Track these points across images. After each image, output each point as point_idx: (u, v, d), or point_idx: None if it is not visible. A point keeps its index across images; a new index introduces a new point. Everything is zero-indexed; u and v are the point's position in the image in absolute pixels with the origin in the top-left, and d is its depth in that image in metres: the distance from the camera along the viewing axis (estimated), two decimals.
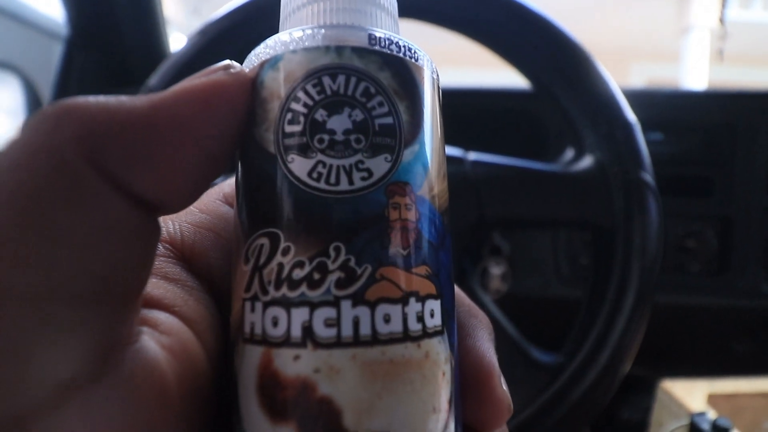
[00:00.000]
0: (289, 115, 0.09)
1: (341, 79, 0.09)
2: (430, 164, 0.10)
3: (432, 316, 0.09)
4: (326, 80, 0.09)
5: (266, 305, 0.09)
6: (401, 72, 0.09)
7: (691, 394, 0.39)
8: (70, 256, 0.07)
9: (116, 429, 0.07)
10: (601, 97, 0.30)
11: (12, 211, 0.07)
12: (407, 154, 0.09)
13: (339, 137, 0.09)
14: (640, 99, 0.54)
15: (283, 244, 0.09)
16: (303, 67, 0.09)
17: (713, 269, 0.54)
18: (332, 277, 0.08)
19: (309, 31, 0.09)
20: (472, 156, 0.32)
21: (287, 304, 0.08)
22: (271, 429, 0.08)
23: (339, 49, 0.09)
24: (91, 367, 0.07)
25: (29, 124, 0.08)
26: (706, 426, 0.37)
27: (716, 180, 0.54)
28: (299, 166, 0.09)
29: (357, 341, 0.08)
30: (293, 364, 0.08)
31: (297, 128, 0.09)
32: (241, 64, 0.22)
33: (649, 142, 0.56)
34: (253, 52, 0.11)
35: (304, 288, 0.08)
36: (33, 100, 0.69)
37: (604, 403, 0.28)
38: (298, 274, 0.08)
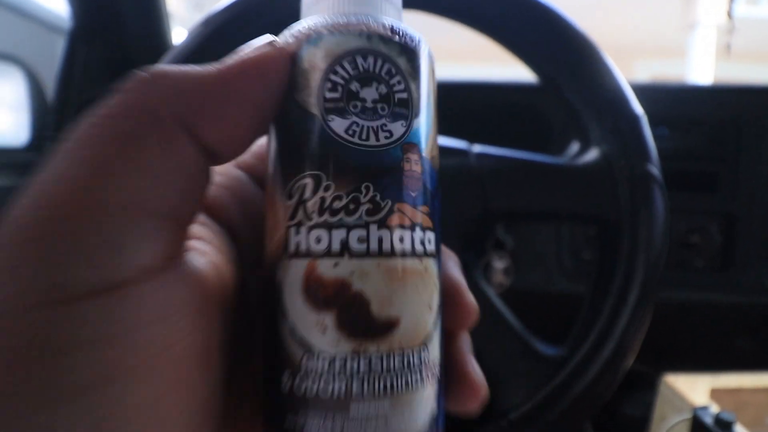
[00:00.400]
0: (329, 84, 0.11)
1: (371, 60, 0.12)
2: (429, 132, 0.12)
3: (430, 243, 0.12)
4: (359, 59, 0.12)
5: (310, 228, 0.11)
6: (412, 58, 0.12)
7: (694, 388, 0.39)
8: (153, 183, 0.10)
9: (173, 305, 0.10)
10: (607, 89, 0.30)
11: (113, 149, 0.10)
12: (416, 123, 0.12)
13: (369, 105, 0.11)
14: (645, 94, 0.54)
15: (324, 183, 0.11)
16: (341, 47, 0.12)
17: (717, 265, 0.54)
18: (363, 208, 0.11)
19: (344, 18, 0.12)
20: (477, 148, 0.32)
21: (329, 227, 0.11)
22: (317, 317, 0.11)
23: (370, 36, 0.12)
24: (161, 260, 0.10)
25: (126, 85, 0.10)
26: (709, 420, 0.37)
27: (721, 176, 0.54)
28: (338, 124, 0.11)
29: (381, 253, 0.11)
30: (333, 270, 0.11)
31: (336, 95, 0.11)
32: None
33: (653, 137, 0.56)
34: (288, 30, 0.13)
35: (342, 215, 0.11)
36: (36, 93, 0.69)
37: (606, 397, 0.28)
38: (338, 204, 0.11)
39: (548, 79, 0.32)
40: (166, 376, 0.10)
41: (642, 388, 0.60)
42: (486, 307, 0.31)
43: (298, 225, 0.11)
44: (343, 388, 0.11)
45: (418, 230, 0.12)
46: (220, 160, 0.12)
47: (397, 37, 0.12)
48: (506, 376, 0.30)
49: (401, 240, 0.11)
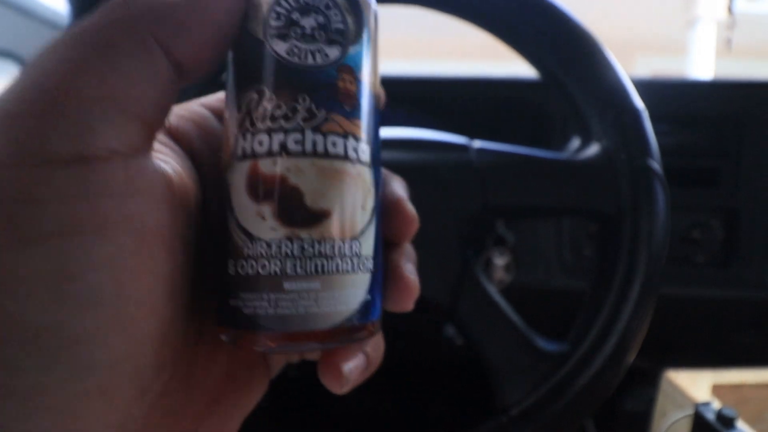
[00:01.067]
0: (273, 14, 0.13)
1: None
2: (367, 61, 0.14)
3: (363, 153, 0.14)
4: None
5: (254, 134, 0.13)
6: (354, 2, 0.14)
7: (695, 384, 0.39)
8: (127, 85, 0.11)
9: (136, 186, 0.12)
10: (608, 83, 0.30)
11: (95, 53, 0.11)
12: (352, 50, 0.14)
13: (308, 31, 0.13)
14: (647, 89, 0.53)
15: (267, 95, 0.13)
16: None
17: (719, 261, 0.54)
18: (300, 115, 0.13)
19: None
20: (477, 144, 0.32)
21: (269, 131, 0.13)
22: (257, 208, 0.12)
23: None
24: (128, 148, 0.12)
25: (107, 3, 0.12)
26: (710, 416, 0.37)
27: (722, 171, 0.54)
28: (280, 47, 0.13)
29: (315, 154, 0.13)
30: (272, 167, 0.13)
31: (279, 23, 0.13)
32: None
33: (654, 133, 0.56)
34: None
35: (281, 121, 0.13)
36: None
37: (608, 393, 0.28)
38: (278, 113, 0.13)
39: (549, 74, 0.32)
40: (126, 241, 0.11)
41: (643, 384, 0.60)
42: (486, 303, 0.30)
43: (245, 132, 0.13)
44: (278, 268, 0.12)
45: (351, 139, 0.13)
46: (188, 77, 0.13)
47: None
48: (507, 372, 0.30)
49: (334, 144, 0.13)
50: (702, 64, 2.78)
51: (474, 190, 0.30)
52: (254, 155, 0.13)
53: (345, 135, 0.13)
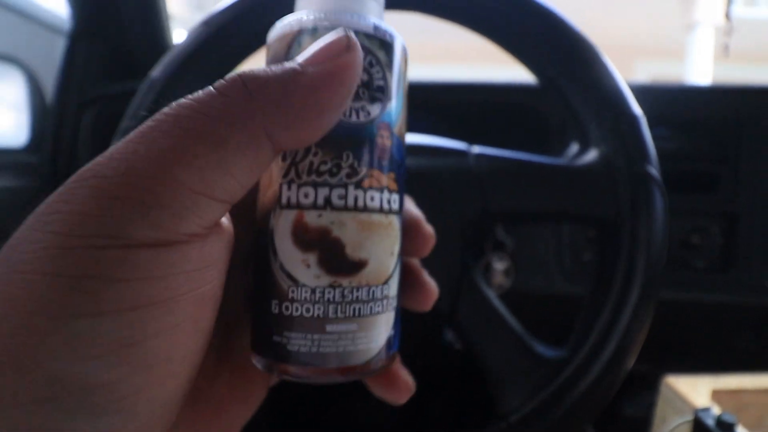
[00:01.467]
0: None
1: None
2: (400, 114, 0.15)
3: (395, 203, 0.15)
4: None
5: (300, 186, 0.14)
6: (390, 52, 0.14)
7: (695, 389, 0.39)
8: (224, 178, 0.12)
9: (207, 260, 0.12)
10: (606, 89, 0.30)
11: (201, 146, 0.11)
12: (389, 106, 0.14)
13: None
14: (644, 94, 0.54)
15: (313, 149, 0.14)
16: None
17: (718, 265, 0.54)
18: (344, 171, 0.13)
19: (336, 15, 0.14)
20: (476, 149, 0.32)
21: (315, 185, 0.14)
22: (302, 256, 0.13)
23: (356, 33, 0.13)
24: (209, 229, 0.12)
25: (225, 88, 0.12)
26: (710, 422, 0.36)
27: (721, 176, 0.54)
28: None
29: (356, 208, 0.14)
30: (317, 219, 0.13)
31: None
32: (241, 53, 0.26)
33: (653, 138, 0.56)
34: (285, 19, 0.15)
35: (326, 176, 0.14)
36: (36, 94, 0.69)
37: (608, 399, 0.28)
38: (323, 167, 0.13)
39: (548, 80, 0.32)
40: (189, 310, 0.12)
41: (643, 389, 0.60)
42: (486, 308, 0.30)
43: (290, 182, 0.14)
44: (321, 312, 0.13)
45: (385, 192, 0.14)
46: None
47: (378, 34, 0.14)
48: (506, 377, 0.29)
49: (372, 199, 0.14)
50: (700, 69, 2.80)
51: (473, 195, 0.30)
52: (299, 206, 0.14)
53: (381, 189, 0.14)
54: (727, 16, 0.54)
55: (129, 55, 0.66)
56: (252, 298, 0.15)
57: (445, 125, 0.59)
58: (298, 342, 0.13)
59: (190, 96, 0.12)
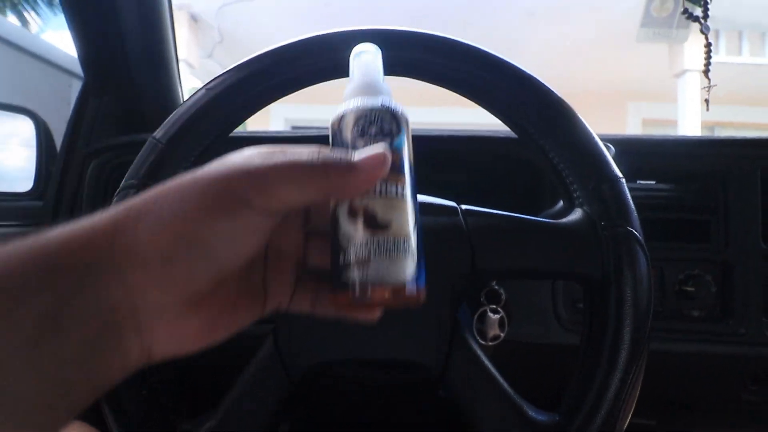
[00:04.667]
0: (356, 129, 0.23)
1: (373, 116, 0.23)
2: (404, 143, 0.23)
3: (406, 192, 0.22)
4: (368, 116, 0.23)
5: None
6: (394, 113, 0.23)
7: None
8: (300, 202, 0.21)
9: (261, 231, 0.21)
10: (587, 152, 0.32)
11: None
12: (396, 140, 0.23)
13: (372, 133, 0.22)
14: (633, 146, 0.55)
15: None
16: (361, 112, 0.23)
17: (715, 315, 0.54)
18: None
19: (364, 102, 0.23)
20: (465, 207, 0.33)
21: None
22: (352, 224, 0.22)
23: (372, 108, 0.23)
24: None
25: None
26: None
27: (712, 225, 0.55)
28: (360, 144, 0.22)
29: (381, 195, 0.22)
30: (361, 203, 0.22)
31: (357, 131, 0.23)
32: (240, 117, 0.29)
33: (643, 188, 0.57)
34: (338, 110, 0.24)
35: None
36: (45, 141, 0.71)
37: None
38: None
39: (534, 143, 0.33)
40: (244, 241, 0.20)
41: None
42: (477, 369, 0.30)
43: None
44: (366, 253, 0.21)
45: (398, 185, 0.22)
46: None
47: (386, 107, 0.23)
48: None
49: (390, 189, 0.22)
50: (690, 111, 2.88)
51: (462, 253, 0.31)
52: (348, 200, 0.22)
53: (396, 183, 0.22)
54: (706, 74, 0.56)
55: (138, 109, 0.69)
56: (330, 260, 0.22)
57: (437, 177, 0.60)
58: (354, 274, 0.21)
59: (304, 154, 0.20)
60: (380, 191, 0.21)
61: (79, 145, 0.66)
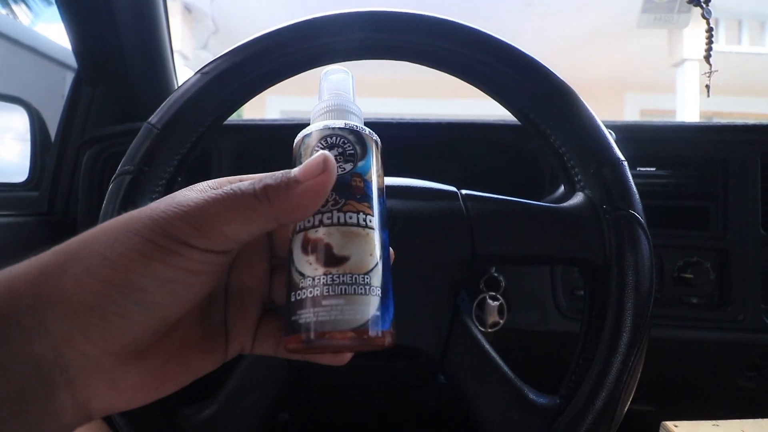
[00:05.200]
0: (315, 150, 0.21)
1: (335, 138, 0.22)
2: (370, 168, 0.22)
3: (370, 221, 0.21)
4: (329, 139, 0.22)
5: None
6: (358, 136, 0.22)
7: None
8: (248, 234, 0.19)
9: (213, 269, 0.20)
10: (588, 135, 0.31)
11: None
12: (360, 163, 0.21)
13: (335, 155, 0.21)
14: (633, 133, 0.55)
15: None
16: (322, 134, 0.22)
17: (713, 302, 0.54)
18: (330, 203, 0.20)
19: (323, 123, 0.22)
20: (465, 192, 0.32)
21: (313, 214, 0.20)
22: (306, 258, 0.20)
23: (334, 128, 0.22)
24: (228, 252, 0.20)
25: (257, 193, 0.19)
26: None
27: (711, 212, 0.54)
28: None
29: (338, 223, 0.20)
30: (315, 233, 0.20)
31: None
32: (235, 102, 0.28)
33: (643, 175, 0.57)
34: (300, 134, 0.23)
35: (320, 208, 0.20)
36: (39, 132, 0.70)
37: None
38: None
39: (534, 128, 0.33)
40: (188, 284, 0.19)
41: None
42: (477, 353, 0.30)
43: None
44: (319, 292, 0.19)
45: (361, 214, 0.20)
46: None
47: (348, 126, 0.22)
48: (499, 425, 0.29)
49: (350, 217, 0.20)
50: (688, 101, 2.87)
51: (463, 238, 0.31)
52: (304, 228, 0.20)
53: (357, 212, 0.20)
54: (707, 59, 0.56)
55: (132, 100, 0.68)
56: (285, 299, 0.21)
57: (439, 164, 0.60)
58: (305, 316, 0.19)
59: (238, 187, 0.19)
60: (338, 220, 0.20)
61: (74, 135, 0.65)
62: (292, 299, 0.19)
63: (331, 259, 0.19)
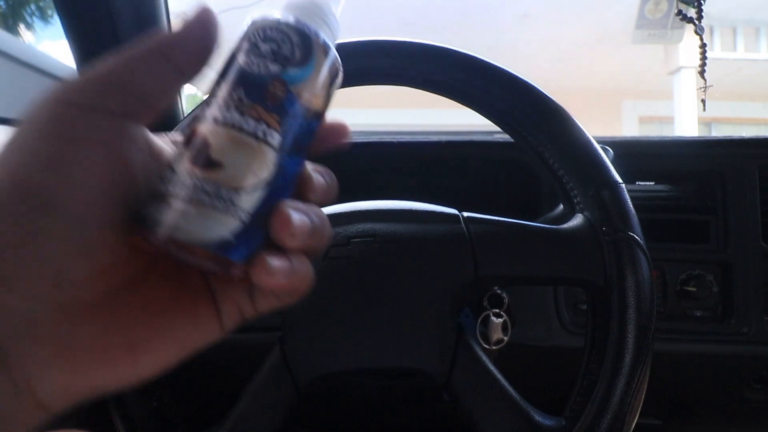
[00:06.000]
0: (247, 39, 0.18)
1: (273, 32, 0.18)
2: (303, 82, 0.18)
3: (271, 137, 0.17)
4: (267, 31, 0.18)
5: (206, 107, 0.18)
6: (306, 41, 0.19)
7: None
8: (86, 152, 0.15)
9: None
10: (586, 158, 0.32)
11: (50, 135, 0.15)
12: (291, 70, 0.18)
13: (261, 52, 0.18)
14: (631, 148, 0.56)
15: (222, 85, 0.18)
16: (260, 25, 0.19)
17: (717, 315, 0.54)
18: (234, 101, 0.17)
19: (276, 14, 0.19)
20: (467, 214, 0.33)
21: (211, 105, 0.18)
22: (182, 150, 0.17)
23: (279, 21, 0.19)
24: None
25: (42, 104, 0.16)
26: None
27: (711, 225, 0.55)
28: (242, 58, 0.18)
29: (231, 126, 0.17)
30: (201, 128, 0.17)
31: (248, 45, 0.18)
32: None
33: (642, 190, 0.57)
34: (253, 16, 0.19)
35: (220, 101, 0.17)
36: None
37: None
38: (221, 95, 0.18)
39: (532, 149, 0.34)
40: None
41: None
42: (481, 374, 0.30)
43: (205, 104, 0.18)
44: (177, 190, 0.16)
45: (262, 124, 0.17)
46: (186, 79, 0.18)
47: (297, 25, 0.19)
48: None
49: (246, 123, 0.17)
50: (686, 108, 2.89)
51: (465, 261, 0.31)
52: (198, 118, 0.18)
53: (258, 120, 0.17)
54: (702, 75, 0.57)
55: None
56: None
57: (434, 183, 0.61)
58: (154, 211, 0.16)
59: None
60: (230, 120, 0.17)
61: None
62: (152, 190, 0.17)
63: (202, 160, 0.16)
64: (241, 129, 0.17)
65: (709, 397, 0.58)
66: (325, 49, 0.19)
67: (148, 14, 0.67)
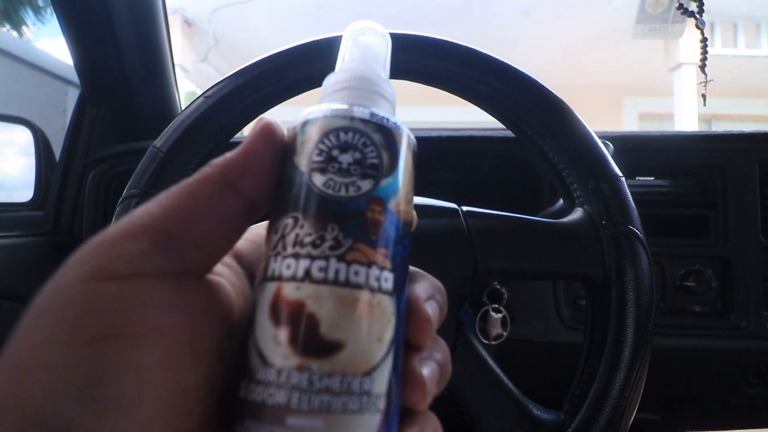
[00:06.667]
0: (316, 150, 0.14)
1: (350, 134, 0.14)
2: (399, 191, 0.15)
3: (386, 281, 0.13)
4: (341, 134, 0.14)
5: (284, 257, 0.13)
6: (388, 137, 0.15)
7: None
8: (196, 222, 0.13)
9: (178, 302, 0.12)
10: (586, 151, 0.32)
11: (188, 201, 0.13)
12: (384, 182, 0.14)
13: (344, 166, 0.14)
14: (631, 143, 0.56)
15: (300, 222, 0.13)
16: (330, 125, 0.15)
17: (716, 310, 0.54)
18: (327, 244, 0.13)
19: (339, 105, 0.15)
20: (466, 209, 0.33)
21: (297, 257, 0.13)
22: (274, 331, 0.13)
23: (352, 118, 0.15)
24: (188, 272, 0.13)
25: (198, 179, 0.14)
26: None
27: (711, 220, 0.55)
28: (318, 179, 0.14)
29: (336, 282, 0.13)
30: (295, 292, 0.13)
31: (321, 158, 0.14)
32: (238, 124, 0.28)
33: (642, 185, 0.57)
34: (301, 113, 0.16)
35: (309, 248, 0.13)
36: (43, 152, 0.71)
37: None
38: (307, 239, 0.13)
39: (532, 143, 0.33)
40: (156, 352, 0.12)
41: None
42: (481, 369, 0.30)
43: (276, 254, 0.14)
44: (284, 399, 0.12)
45: (374, 268, 0.13)
46: (259, 212, 0.15)
47: (374, 119, 0.15)
48: None
49: (356, 273, 0.13)
50: (686, 105, 2.89)
51: (465, 255, 0.31)
52: (281, 278, 0.13)
53: (368, 264, 0.13)
54: (702, 69, 0.56)
55: (135, 117, 0.69)
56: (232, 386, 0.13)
57: (435, 177, 0.61)
58: (262, 426, 0.12)
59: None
60: (335, 275, 0.13)
61: (78, 154, 0.66)
62: (242, 393, 0.12)
63: (315, 344, 0.12)
64: (350, 284, 0.13)
65: (707, 392, 0.58)
66: (407, 136, 0.15)
67: (144, 10, 0.66)
